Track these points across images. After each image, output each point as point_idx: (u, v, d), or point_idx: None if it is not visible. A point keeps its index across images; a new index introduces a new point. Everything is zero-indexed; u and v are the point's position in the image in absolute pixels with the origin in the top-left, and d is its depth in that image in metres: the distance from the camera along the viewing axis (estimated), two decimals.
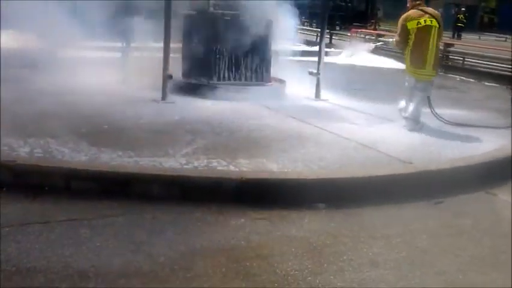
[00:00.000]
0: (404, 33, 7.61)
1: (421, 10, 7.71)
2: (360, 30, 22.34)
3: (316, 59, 9.72)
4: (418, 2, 7.73)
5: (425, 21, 7.55)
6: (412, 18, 7.58)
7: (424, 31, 7.54)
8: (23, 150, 5.36)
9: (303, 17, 35.31)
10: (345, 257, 3.91)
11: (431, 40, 7.57)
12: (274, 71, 9.69)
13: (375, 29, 26.80)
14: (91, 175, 4.86)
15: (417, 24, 7.55)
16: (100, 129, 6.39)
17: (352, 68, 15.36)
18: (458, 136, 7.14)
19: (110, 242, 3.92)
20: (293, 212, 4.63)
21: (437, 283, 3.68)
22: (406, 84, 7.83)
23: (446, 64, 15.36)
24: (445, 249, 4.18)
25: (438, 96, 10.08)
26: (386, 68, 15.34)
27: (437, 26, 7.62)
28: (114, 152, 5.49)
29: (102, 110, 7.26)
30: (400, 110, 7.83)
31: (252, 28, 8.94)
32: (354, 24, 30.34)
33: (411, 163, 5.78)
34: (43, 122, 6.46)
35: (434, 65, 7.63)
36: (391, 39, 9.20)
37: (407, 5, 7.87)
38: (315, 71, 9.31)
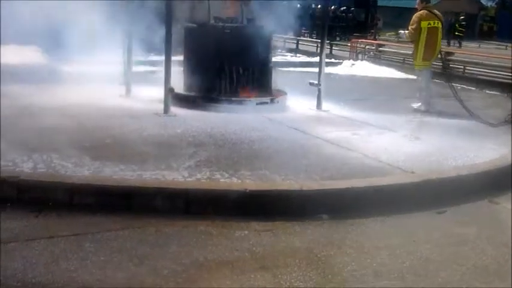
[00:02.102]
0: (419, 29, 9.52)
1: (430, 11, 9.70)
2: (360, 40, 22.38)
3: (316, 69, 9.79)
4: (427, 5, 9.77)
5: (434, 23, 9.57)
6: (424, 19, 9.55)
7: (432, 31, 9.55)
8: (27, 166, 5.38)
9: (303, 28, 35.53)
10: (349, 268, 3.91)
11: (438, 39, 9.69)
12: (275, 82, 9.74)
13: (374, 39, 26.86)
14: (94, 189, 4.87)
15: (428, 25, 9.53)
16: (102, 143, 6.41)
17: (352, 78, 15.40)
18: (460, 145, 7.14)
19: (114, 256, 3.93)
20: (296, 223, 4.63)
21: None
22: (420, 79, 9.98)
23: (447, 73, 15.37)
24: (449, 259, 4.17)
25: (439, 105, 10.16)
26: (387, 78, 15.36)
27: (441, 26, 9.68)
28: (117, 166, 5.50)
29: (104, 124, 7.30)
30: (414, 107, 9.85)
31: (252, 40, 8.99)
32: (354, 34, 30.42)
33: (413, 172, 5.79)
34: (46, 136, 6.47)
35: (436, 57, 10.02)
36: (402, 31, 11.05)
37: (417, 6, 9.86)
38: (316, 82, 9.34)
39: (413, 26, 9.60)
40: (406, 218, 4.93)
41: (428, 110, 9.69)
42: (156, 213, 4.65)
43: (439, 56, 10.29)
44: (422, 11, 9.64)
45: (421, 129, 8.11)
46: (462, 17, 35.81)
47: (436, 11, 9.81)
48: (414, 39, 9.68)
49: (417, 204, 5.13)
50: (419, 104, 9.88)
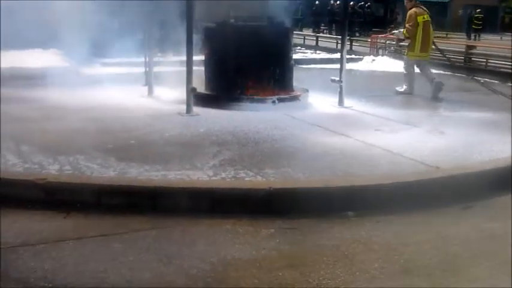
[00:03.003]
0: (415, 24, 10.35)
1: (420, 8, 10.55)
2: (379, 35, 22.22)
3: (336, 66, 9.77)
4: (416, 3, 10.60)
5: (426, 17, 10.45)
6: (419, 14, 10.41)
7: (426, 25, 10.44)
8: (53, 168, 5.44)
9: (322, 24, 35.43)
10: (376, 265, 3.90)
11: (431, 32, 10.63)
12: (297, 79, 9.74)
13: None
14: (120, 190, 4.92)
15: (423, 19, 10.39)
16: (127, 144, 6.45)
17: (373, 74, 15.31)
18: (484, 139, 7.07)
19: (142, 256, 3.96)
20: (322, 220, 4.63)
21: None
22: (410, 68, 10.74)
23: (469, 66, 15.28)
24: (477, 254, 4.15)
25: (461, 99, 10.10)
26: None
27: (431, 20, 10.61)
28: (142, 167, 5.53)
29: (128, 125, 7.35)
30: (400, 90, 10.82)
31: (272, 38, 9.00)
32: (373, 29, 30.25)
33: (438, 167, 5.75)
34: (70, 138, 6.55)
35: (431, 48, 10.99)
36: (396, 31, 12.06)
37: (406, 4, 10.79)
38: (337, 79, 9.31)
39: (410, 23, 10.44)
40: (433, 213, 4.90)
41: (437, 97, 10.37)
42: (182, 213, 4.68)
43: (433, 46, 11.36)
44: (415, 8, 10.53)
45: (444, 124, 8.03)
46: (479, 10, 35.52)
47: (423, 7, 10.73)
48: (412, 35, 10.47)
49: (443, 200, 5.10)
50: (405, 87, 10.80)
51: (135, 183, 5.06)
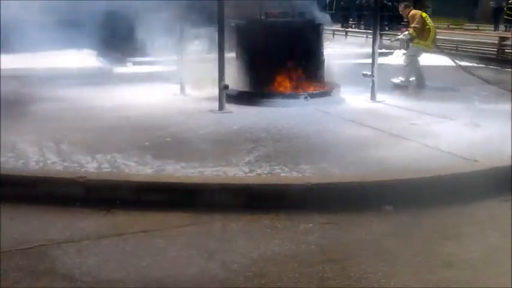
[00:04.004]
0: (422, 20, 10.77)
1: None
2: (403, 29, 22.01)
3: (367, 60, 9.72)
4: (411, 8, 11.27)
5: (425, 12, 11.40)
6: (421, 12, 11.05)
7: (429, 18, 11.02)
8: (92, 166, 5.52)
9: (351, 19, 35.20)
10: (417, 259, 3.88)
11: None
12: (328, 75, 9.71)
13: None
14: (159, 187, 4.98)
15: (426, 13, 11.22)
16: (162, 142, 6.52)
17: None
18: None
19: (184, 252, 4.01)
20: (361, 215, 4.63)
21: None
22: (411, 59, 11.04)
23: (502, 58, 15.07)
24: None
25: (492, 92, 9.94)
26: (440, 66, 15.06)
27: None
28: (178, 164, 5.58)
29: (162, 123, 7.41)
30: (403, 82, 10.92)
31: (303, 34, 8.99)
32: (402, 23, 29.93)
33: (476, 161, 5.69)
34: (107, 137, 6.63)
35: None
36: (400, 36, 11.68)
37: (401, 12, 11.49)
38: (369, 73, 9.26)
39: (416, 21, 10.80)
40: (472, 207, 4.86)
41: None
42: (221, 209, 4.70)
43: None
44: (413, 10, 11.12)
45: (479, 116, 7.92)
46: (511, 1, 34.96)
47: None
48: (420, 33, 10.78)
49: (482, 193, 5.03)
50: (402, 79, 10.92)
51: (173, 180, 5.11)
